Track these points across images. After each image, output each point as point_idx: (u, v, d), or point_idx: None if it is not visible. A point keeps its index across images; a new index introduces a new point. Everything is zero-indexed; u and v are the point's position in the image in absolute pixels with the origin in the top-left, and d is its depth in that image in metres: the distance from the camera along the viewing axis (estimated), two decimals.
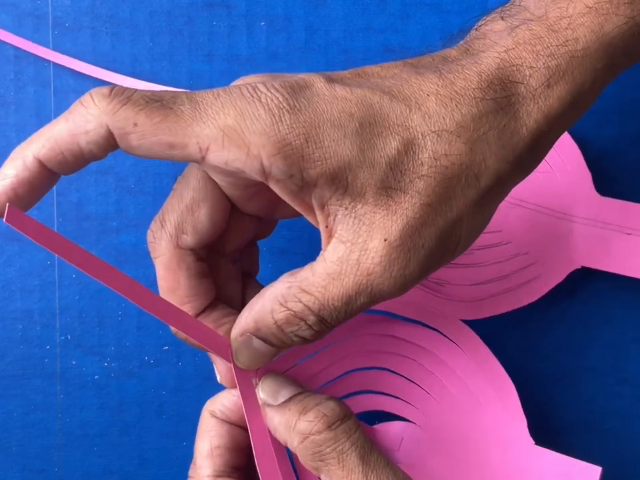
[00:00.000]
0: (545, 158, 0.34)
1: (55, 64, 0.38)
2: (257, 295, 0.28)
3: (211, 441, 0.31)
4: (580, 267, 0.37)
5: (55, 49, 0.38)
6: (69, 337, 0.38)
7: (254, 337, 0.28)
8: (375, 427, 0.35)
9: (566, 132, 0.36)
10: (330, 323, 0.27)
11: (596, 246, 0.37)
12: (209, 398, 0.39)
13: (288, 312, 0.27)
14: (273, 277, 0.38)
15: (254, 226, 0.31)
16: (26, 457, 0.38)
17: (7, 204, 0.24)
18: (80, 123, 0.25)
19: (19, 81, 0.38)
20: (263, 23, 0.39)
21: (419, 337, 0.35)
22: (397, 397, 0.35)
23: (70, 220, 0.38)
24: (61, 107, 0.38)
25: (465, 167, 0.26)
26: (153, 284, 0.38)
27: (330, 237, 0.26)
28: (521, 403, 0.34)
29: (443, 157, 0.26)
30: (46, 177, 0.25)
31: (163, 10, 0.39)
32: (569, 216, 0.37)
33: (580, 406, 0.39)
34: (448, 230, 0.26)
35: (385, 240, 0.25)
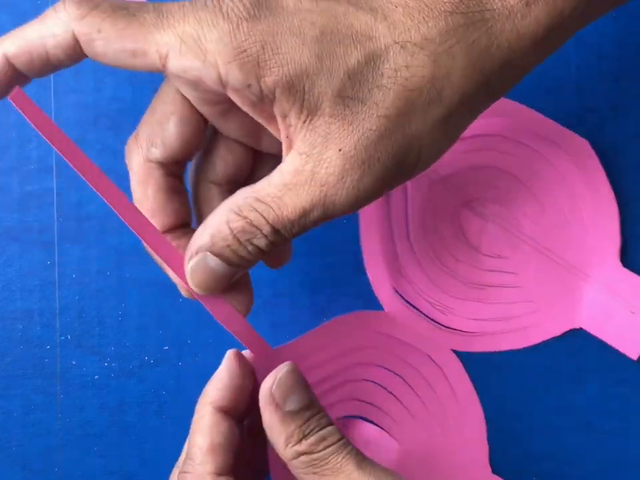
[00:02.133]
0: (583, 212, 0.34)
1: None
2: (211, 213, 0.28)
3: (213, 437, 0.30)
4: (579, 328, 0.38)
5: None
6: (69, 337, 0.38)
7: (209, 255, 0.27)
8: (348, 420, 0.37)
9: (610, 190, 0.37)
10: (284, 235, 0.27)
11: (599, 314, 0.38)
12: None
13: (244, 220, 0.26)
14: (271, 276, 0.38)
15: (245, 155, 0.31)
16: (26, 457, 0.38)
17: (17, 85, 0.26)
18: (49, 26, 0.26)
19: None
20: None
21: (410, 355, 0.37)
22: (378, 407, 0.37)
23: (70, 219, 0.38)
24: (62, 107, 0.38)
25: (426, 81, 0.25)
26: (154, 284, 0.38)
27: (289, 147, 0.26)
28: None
29: (403, 69, 0.25)
30: (13, 75, 0.26)
31: None
32: (585, 275, 0.38)
33: (577, 409, 0.39)
34: (406, 146, 0.26)
35: (340, 150, 0.25)
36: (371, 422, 0.37)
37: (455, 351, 0.38)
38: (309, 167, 0.26)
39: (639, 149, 0.39)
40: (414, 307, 0.38)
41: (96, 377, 0.38)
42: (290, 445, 0.29)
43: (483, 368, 0.38)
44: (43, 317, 0.38)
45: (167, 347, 0.39)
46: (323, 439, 0.29)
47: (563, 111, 0.39)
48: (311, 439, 0.29)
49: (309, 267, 0.38)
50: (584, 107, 0.39)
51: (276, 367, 0.30)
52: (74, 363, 0.38)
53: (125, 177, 0.38)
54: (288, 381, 0.29)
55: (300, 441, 0.29)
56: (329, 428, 0.30)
